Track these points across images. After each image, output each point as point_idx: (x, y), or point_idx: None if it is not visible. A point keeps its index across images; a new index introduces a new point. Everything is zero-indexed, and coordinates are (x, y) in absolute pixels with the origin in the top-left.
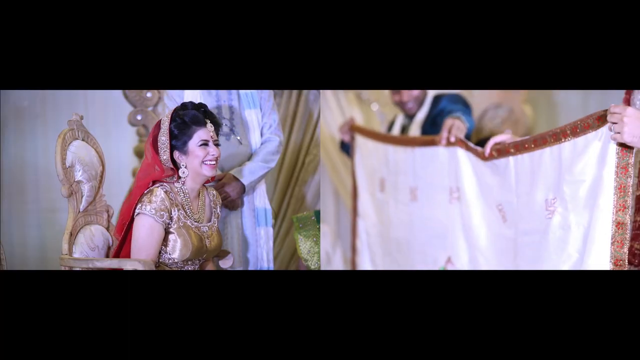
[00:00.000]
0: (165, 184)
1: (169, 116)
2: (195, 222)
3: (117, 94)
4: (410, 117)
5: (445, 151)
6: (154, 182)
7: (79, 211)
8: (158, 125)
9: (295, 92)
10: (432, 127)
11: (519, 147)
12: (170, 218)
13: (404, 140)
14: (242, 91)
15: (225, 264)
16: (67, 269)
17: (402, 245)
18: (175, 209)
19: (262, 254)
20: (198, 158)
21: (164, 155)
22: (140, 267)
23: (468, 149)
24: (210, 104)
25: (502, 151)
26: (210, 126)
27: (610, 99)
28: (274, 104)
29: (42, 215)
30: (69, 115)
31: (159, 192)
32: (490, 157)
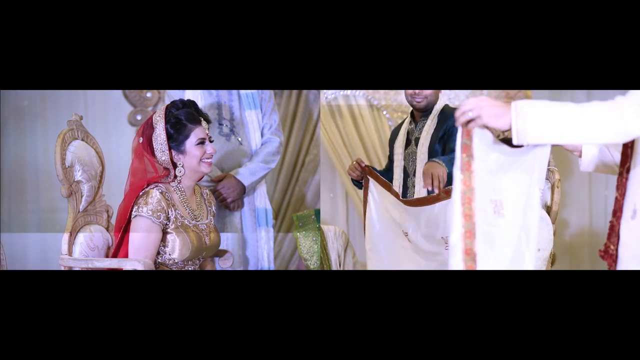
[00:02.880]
0: (160, 184)
1: (162, 116)
2: (194, 219)
3: (117, 94)
4: (414, 118)
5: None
6: (148, 183)
7: (79, 211)
8: (151, 126)
9: (295, 92)
10: (439, 143)
11: None
12: (168, 218)
13: (409, 201)
14: (242, 91)
15: (225, 264)
16: (66, 269)
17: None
18: (172, 209)
19: (262, 254)
20: (196, 157)
21: (163, 156)
22: (139, 267)
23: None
24: (211, 104)
25: None
26: (204, 123)
27: None
28: (275, 105)
29: (42, 215)
30: (69, 115)
31: (154, 194)
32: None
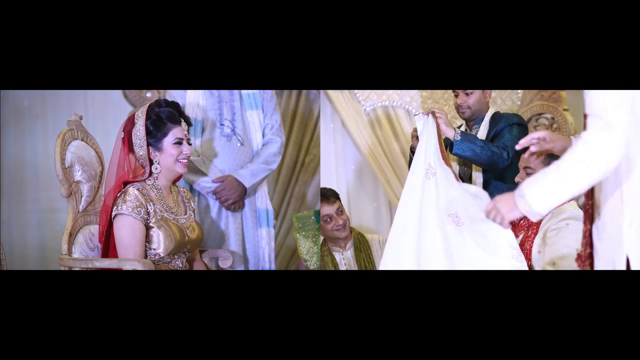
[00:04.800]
0: (136, 183)
1: (144, 112)
2: (173, 214)
3: (117, 94)
4: (468, 125)
5: None
6: (124, 184)
7: (79, 211)
8: (132, 121)
9: (295, 91)
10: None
11: None
12: (148, 213)
13: None
14: (244, 92)
15: (225, 264)
16: (66, 269)
17: None
18: (151, 203)
19: (263, 255)
20: (172, 156)
21: (141, 151)
22: (139, 267)
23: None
24: (213, 105)
25: None
26: (184, 125)
27: None
28: (276, 105)
29: (42, 215)
30: (69, 115)
31: (131, 191)
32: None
